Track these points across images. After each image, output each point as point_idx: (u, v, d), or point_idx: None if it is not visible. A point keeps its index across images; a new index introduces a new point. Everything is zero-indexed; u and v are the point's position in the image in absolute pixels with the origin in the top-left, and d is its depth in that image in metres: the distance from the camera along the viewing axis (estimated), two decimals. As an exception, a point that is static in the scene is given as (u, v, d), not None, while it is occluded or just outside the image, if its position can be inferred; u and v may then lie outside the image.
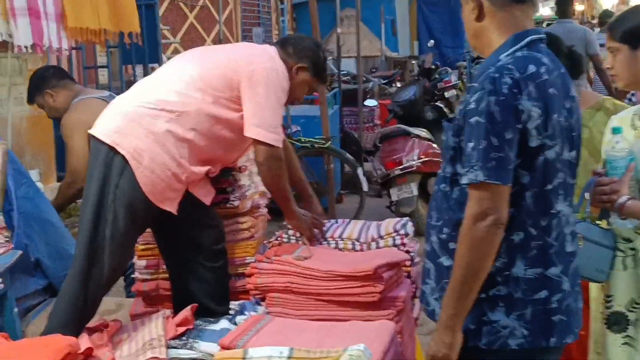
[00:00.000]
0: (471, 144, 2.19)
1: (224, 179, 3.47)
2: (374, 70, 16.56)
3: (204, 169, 3.27)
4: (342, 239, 3.49)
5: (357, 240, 3.46)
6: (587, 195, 2.78)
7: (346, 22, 16.86)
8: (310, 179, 7.57)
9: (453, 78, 15.26)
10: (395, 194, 7.35)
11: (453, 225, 2.32)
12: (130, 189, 3.13)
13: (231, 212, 3.47)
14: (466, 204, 2.24)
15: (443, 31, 20.77)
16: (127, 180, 3.13)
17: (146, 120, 3.17)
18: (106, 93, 4.69)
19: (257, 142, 3.24)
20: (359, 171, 7.60)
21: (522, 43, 2.30)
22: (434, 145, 7.72)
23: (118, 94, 3.77)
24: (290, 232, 3.51)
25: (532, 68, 2.23)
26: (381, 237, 3.46)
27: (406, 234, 3.47)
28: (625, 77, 2.81)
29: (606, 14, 12.67)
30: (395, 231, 3.47)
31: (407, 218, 3.69)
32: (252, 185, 3.59)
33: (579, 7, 42.87)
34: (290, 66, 3.41)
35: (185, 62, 3.41)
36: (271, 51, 3.41)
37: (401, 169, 7.29)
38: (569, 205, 2.37)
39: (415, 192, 7.34)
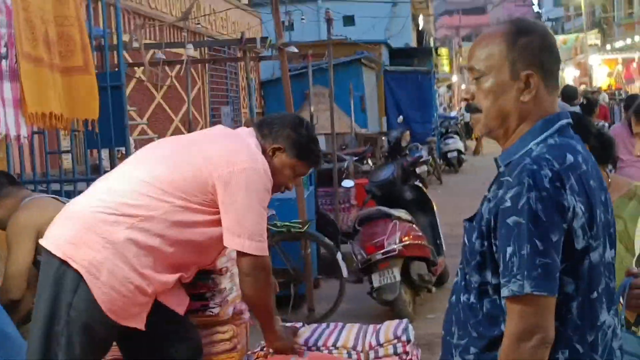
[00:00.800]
0: (510, 249, 1.87)
1: (202, 283, 3.08)
2: (344, 147, 16.36)
3: (175, 276, 2.88)
4: (337, 348, 3.10)
5: (354, 349, 3.09)
6: (621, 299, 2.44)
7: (315, 99, 16.71)
8: (286, 265, 7.20)
9: (424, 154, 15.18)
10: (377, 279, 6.95)
11: (483, 345, 1.98)
12: (87, 309, 2.73)
13: (210, 320, 3.08)
14: (500, 319, 1.93)
15: (411, 106, 20.82)
16: (82, 298, 2.73)
17: (104, 227, 2.78)
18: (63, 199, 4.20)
19: (241, 253, 2.88)
20: (339, 256, 7.22)
21: (554, 128, 2.01)
22: (415, 228, 7.39)
23: (83, 179, 3.35)
24: None
25: (570, 158, 1.94)
26: (380, 344, 3.09)
27: (408, 341, 3.10)
28: None
29: (566, 90, 12.91)
30: (396, 337, 3.10)
31: (407, 320, 3.34)
32: (234, 289, 3.21)
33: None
34: (265, 149, 3.04)
35: (153, 160, 2.99)
36: (250, 141, 3.03)
37: (383, 254, 6.91)
38: (615, 315, 2.06)
39: (398, 277, 6.95)
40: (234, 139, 3.02)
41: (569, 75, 36.95)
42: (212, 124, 13.11)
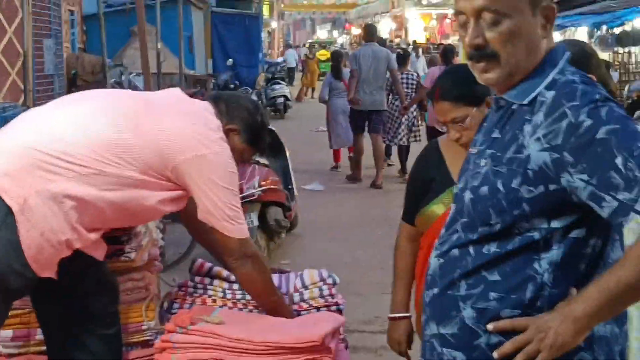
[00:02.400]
0: (620, 158, 1.66)
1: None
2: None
3: (98, 234, 2.62)
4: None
5: (278, 289, 2.94)
6: None
7: (139, 37, 16.10)
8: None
9: (254, 98, 15.06)
10: (234, 224, 6.81)
11: (511, 286, 1.81)
12: (6, 250, 2.43)
13: (126, 266, 2.84)
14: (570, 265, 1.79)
15: (238, 50, 20.56)
16: (3, 238, 2.43)
17: (41, 172, 2.48)
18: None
19: (225, 239, 2.70)
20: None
21: (565, 58, 1.90)
22: (273, 172, 7.28)
23: None
24: (197, 278, 2.92)
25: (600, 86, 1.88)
26: (305, 286, 2.97)
27: (334, 283, 3.00)
28: None
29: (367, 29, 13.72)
30: (322, 280, 2.98)
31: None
32: (147, 233, 2.97)
33: (355, 31, 44.43)
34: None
35: (112, 115, 2.65)
36: (212, 119, 2.76)
37: (241, 198, 6.74)
38: None
39: (256, 222, 6.82)
40: (198, 118, 2.73)
41: (385, 27, 37.88)
42: (34, 57, 12.30)
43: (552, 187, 1.77)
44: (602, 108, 1.72)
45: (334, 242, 7.95)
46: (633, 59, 17.42)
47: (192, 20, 18.48)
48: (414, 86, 11.64)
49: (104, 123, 2.60)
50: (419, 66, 20.78)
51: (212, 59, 20.73)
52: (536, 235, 1.81)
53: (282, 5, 42.05)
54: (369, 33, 11.63)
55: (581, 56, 2.55)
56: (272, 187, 7.03)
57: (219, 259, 3.06)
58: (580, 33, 19.60)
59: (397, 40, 33.24)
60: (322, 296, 2.94)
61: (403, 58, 12.14)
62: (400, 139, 11.67)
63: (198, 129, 2.67)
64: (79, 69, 14.84)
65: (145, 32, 6.92)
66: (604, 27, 17.61)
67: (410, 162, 10.41)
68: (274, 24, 42.10)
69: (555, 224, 1.80)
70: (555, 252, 1.80)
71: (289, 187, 7.92)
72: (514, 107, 1.90)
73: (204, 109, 2.79)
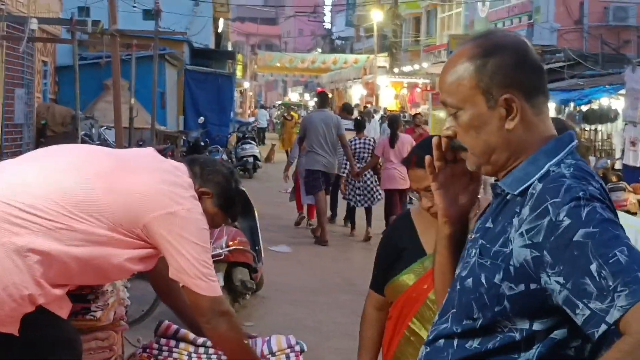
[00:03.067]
0: (595, 265, 1.55)
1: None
2: (142, 142, 15.85)
3: (62, 291, 2.58)
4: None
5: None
6: None
7: (114, 91, 16.12)
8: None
9: (224, 157, 15.06)
10: (199, 284, 6.73)
11: None
12: None
13: (90, 325, 2.78)
14: None
15: (210, 108, 20.67)
16: None
17: (7, 225, 2.46)
18: None
19: (196, 297, 2.66)
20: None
21: (569, 149, 1.79)
22: (240, 232, 7.24)
23: None
24: (163, 341, 2.87)
25: (597, 179, 1.74)
26: (273, 353, 2.93)
27: (301, 350, 2.97)
28: None
29: (345, 106, 15.70)
30: (289, 346, 2.95)
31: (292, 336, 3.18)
32: (114, 292, 2.92)
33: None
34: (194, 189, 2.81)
35: (83, 171, 2.65)
36: (185, 178, 2.79)
37: (208, 258, 6.70)
38: None
39: (222, 282, 6.75)
40: (169, 175, 2.74)
41: (356, 93, 38.26)
42: (5, 106, 12.24)
43: (532, 286, 1.67)
44: (584, 208, 1.62)
45: (298, 306, 7.89)
46: (599, 136, 17.73)
47: (166, 76, 18.54)
48: (371, 151, 11.95)
49: (75, 180, 2.59)
50: (371, 129, 20.94)
51: (184, 116, 20.78)
52: (517, 336, 1.72)
53: (256, 66, 42.37)
54: (321, 101, 12.48)
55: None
56: (240, 247, 6.98)
57: (185, 320, 3.02)
58: (549, 109, 19.95)
59: (369, 106, 33.58)
60: (288, 363, 2.90)
61: (360, 124, 12.54)
62: (362, 202, 11.97)
63: (169, 187, 2.67)
64: (49, 120, 14.77)
65: (120, 86, 6.90)
66: (572, 104, 17.95)
67: (376, 224, 11.42)
68: (246, 84, 42.40)
69: (537, 325, 1.70)
70: (532, 352, 1.71)
71: (257, 247, 7.87)
72: (509, 196, 1.81)
73: (176, 168, 2.80)
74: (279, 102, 51.02)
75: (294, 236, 11.92)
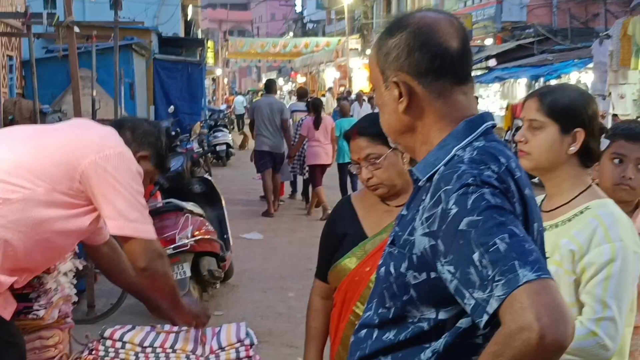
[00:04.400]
0: (477, 254, 1.51)
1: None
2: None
3: (11, 279, 2.53)
4: (175, 351, 2.87)
5: (193, 352, 2.86)
6: None
7: (81, 82, 15.95)
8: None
9: (195, 146, 14.97)
10: (166, 275, 6.68)
11: None
12: None
13: (35, 324, 2.74)
14: (458, 355, 1.68)
15: (180, 97, 20.48)
16: None
17: None
18: None
19: (129, 240, 2.63)
20: (125, 250, 6.85)
21: (479, 131, 1.74)
22: (206, 222, 7.19)
23: None
24: (109, 342, 2.83)
25: (504, 162, 1.68)
26: (222, 348, 2.89)
27: (251, 344, 2.94)
28: (541, 160, 2.41)
29: (299, 91, 16.94)
30: (239, 341, 2.92)
31: (245, 323, 3.15)
32: (59, 289, 2.87)
33: (300, 79, 44.77)
34: None
35: (13, 139, 2.66)
36: (113, 132, 2.80)
37: (173, 248, 6.65)
38: None
39: (189, 273, 6.72)
40: (99, 129, 2.79)
41: (329, 76, 38.21)
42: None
43: (433, 274, 1.64)
44: (471, 195, 1.57)
45: (269, 293, 7.86)
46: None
47: (134, 67, 18.35)
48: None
49: (3, 150, 2.60)
50: (363, 113, 20.96)
51: (154, 105, 20.60)
52: (425, 326, 1.69)
53: (227, 53, 42.13)
54: (268, 87, 13.46)
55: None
56: (206, 237, 6.94)
57: (136, 294, 3.08)
58: (520, 85, 20.03)
59: (341, 88, 33.51)
60: (238, 358, 2.88)
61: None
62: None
63: (99, 135, 2.71)
64: (16, 115, 14.58)
65: (78, 78, 6.80)
66: (542, 80, 18.01)
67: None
68: (218, 72, 42.19)
69: (442, 314, 1.67)
70: (440, 342, 1.68)
71: (225, 236, 7.83)
72: (420, 182, 1.77)
73: (106, 130, 2.81)
74: (250, 89, 50.87)
75: (268, 223, 11.88)
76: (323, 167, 12.42)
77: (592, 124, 2.38)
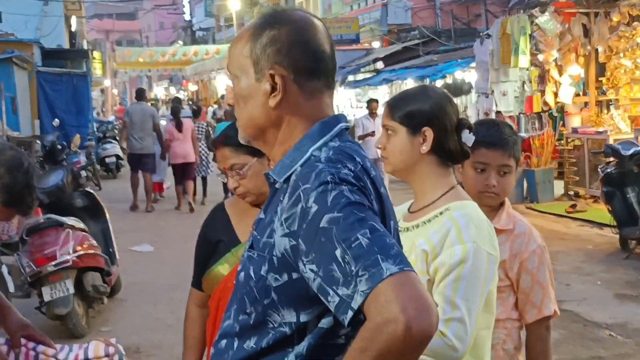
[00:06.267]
0: (339, 250, 1.51)
1: None
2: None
3: None
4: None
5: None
6: None
7: (-42, 99, 15.33)
8: None
9: (82, 159, 14.60)
10: (47, 293, 6.45)
11: None
12: None
13: None
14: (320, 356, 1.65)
15: (66, 110, 19.95)
16: None
17: None
18: None
19: None
20: (3, 269, 6.61)
21: (334, 132, 1.74)
22: (89, 237, 7.01)
23: None
24: (23, 349, 2.72)
25: (359, 161, 1.69)
26: (88, 359, 2.80)
27: (120, 358, 2.85)
28: (396, 162, 2.44)
29: (175, 99, 18.77)
30: (107, 355, 2.83)
31: (116, 339, 3.06)
32: None
33: (192, 87, 44.34)
34: None
35: None
36: None
37: (55, 265, 6.44)
38: None
39: (72, 290, 6.52)
40: None
41: (221, 83, 37.95)
42: None
43: (294, 275, 1.63)
44: (331, 192, 1.57)
45: (158, 305, 7.73)
46: (455, 110, 18.21)
47: (15, 80, 17.77)
48: (204, 133, 14.86)
49: None
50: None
51: (39, 119, 20.00)
52: (287, 330, 1.67)
53: (115, 64, 41.30)
54: (139, 94, 15.21)
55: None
56: (89, 252, 6.79)
57: None
58: (408, 86, 20.38)
59: (230, 96, 33.31)
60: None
61: (197, 111, 16.36)
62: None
63: None
64: None
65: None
66: (427, 80, 18.37)
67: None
68: (107, 82, 41.31)
69: (303, 317, 1.65)
70: (303, 345, 1.66)
71: (110, 250, 7.66)
72: (277, 184, 1.75)
73: None
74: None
75: (159, 234, 11.69)
76: (185, 166, 13.86)
77: (441, 122, 2.39)
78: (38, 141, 16.05)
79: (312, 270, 1.56)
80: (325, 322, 1.64)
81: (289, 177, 1.71)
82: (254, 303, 1.70)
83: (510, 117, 14.64)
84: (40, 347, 2.84)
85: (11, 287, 6.56)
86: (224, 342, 1.78)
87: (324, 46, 1.76)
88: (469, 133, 2.44)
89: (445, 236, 2.29)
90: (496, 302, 2.45)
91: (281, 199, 1.68)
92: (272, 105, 1.73)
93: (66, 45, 28.34)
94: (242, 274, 1.75)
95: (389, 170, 2.48)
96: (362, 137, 13.38)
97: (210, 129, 15.79)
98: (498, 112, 14.79)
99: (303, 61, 1.73)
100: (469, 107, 17.75)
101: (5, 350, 2.79)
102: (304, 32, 1.75)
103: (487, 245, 2.30)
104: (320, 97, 1.77)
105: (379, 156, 2.56)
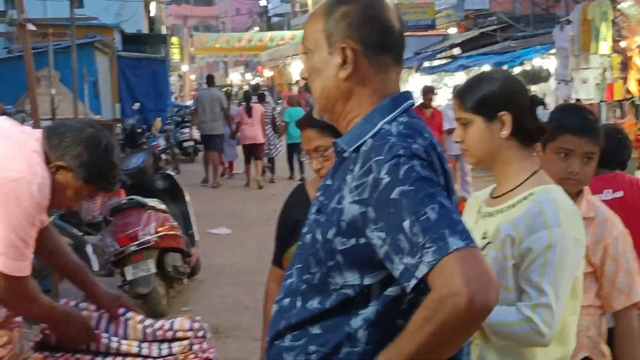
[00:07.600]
0: (408, 222, 1.59)
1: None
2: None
3: None
4: (127, 339, 2.85)
5: (144, 340, 2.85)
6: None
7: (44, 82, 15.74)
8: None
9: (161, 142, 14.88)
10: (130, 272, 6.63)
11: (332, 344, 1.75)
12: None
13: (-18, 325, 2.70)
14: (386, 322, 1.73)
15: (145, 94, 20.34)
16: None
17: None
18: None
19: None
20: (88, 248, 6.79)
21: (403, 107, 1.83)
22: (170, 218, 7.15)
23: None
24: None
25: (427, 136, 1.78)
26: (174, 331, 2.86)
27: (204, 336, 2.91)
28: (478, 153, 2.42)
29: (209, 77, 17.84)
30: (192, 329, 2.88)
31: (200, 317, 3.12)
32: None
33: (268, 73, 44.69)
34: (49, 160, 2.59)
35: None
36: (34, 146, 2.57)
37: (137, 245, 6.60)
38: None
39: (153, 269, 6.68)
40: (15, 141, 2.56)
41: (295, 69, 38.09)
42: None
43: (361, 240, 1.71)
44: (403, 166, 1.65)
45: (237, 287, 7.84)
46: (533, 97, 17.90)
47: (97, 64, 18.19)
48: (272, 117, 16.03)
49: None
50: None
51: (120, 103, 20.45)
52: (351, 292, 1.75)
53: (192, 49, 41.86)
54: (209, 81, 16.42)
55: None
56: (170, 233, 6.92)
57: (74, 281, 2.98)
58: (403, 75, 20.06)
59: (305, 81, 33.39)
60: (191, 349, 2.84)
61: (262, 96, 16.59)
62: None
63: (11, 151, 2.50)
64: (-22, 116, 14.43)
65: (33, 77, 6.71)
66: (505, 67, 18.08)
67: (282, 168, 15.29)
68: (184, 68, 41.91)
69: (367, 280, 1.73)
70: (370, 310, 1.74)
71: (190, 232, 7.80)
72: (345, 154, 1.84)
73: (30, 136, 2.62)
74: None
75: (236, 217, 11.85)
76: (254, 147, 15.09)
77: (516, 103, 2.36)
78: (119, 124, 16.44)
79: (379, 237, 1.65)
80: (392, 290, 1.72)
81: (357, 148, 1.79)
82: (319, 264, 1.79)
83: (590, 104, 14.33)
84: (130, 314, 2.92)
85: (95, 266, 6.75)
86: (287, 300, 1.86)
87: (393, 22, 1.85)
88: (543, 108, 2.43)
89: (532, 221, 2.27)
90: None
91: (350, 167, 1.77)
92: (343, 77, 1.83)
93: (145, 30, 28.89)
94: (309, 236, 1.85)
95: (473, 162, 2.46)
96: (449, 132, 12.25)
97: (276, 114, 16.75)
98: (577, 100, 14.49)
99: (373, 36, 1.83)
100: (548, 95, 17.43)
101: (96, 317, 2.87)
102: (374, 8, 1.85)
103: (573, 229, 2.29)
104: (388, 71, 1.86)
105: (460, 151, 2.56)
